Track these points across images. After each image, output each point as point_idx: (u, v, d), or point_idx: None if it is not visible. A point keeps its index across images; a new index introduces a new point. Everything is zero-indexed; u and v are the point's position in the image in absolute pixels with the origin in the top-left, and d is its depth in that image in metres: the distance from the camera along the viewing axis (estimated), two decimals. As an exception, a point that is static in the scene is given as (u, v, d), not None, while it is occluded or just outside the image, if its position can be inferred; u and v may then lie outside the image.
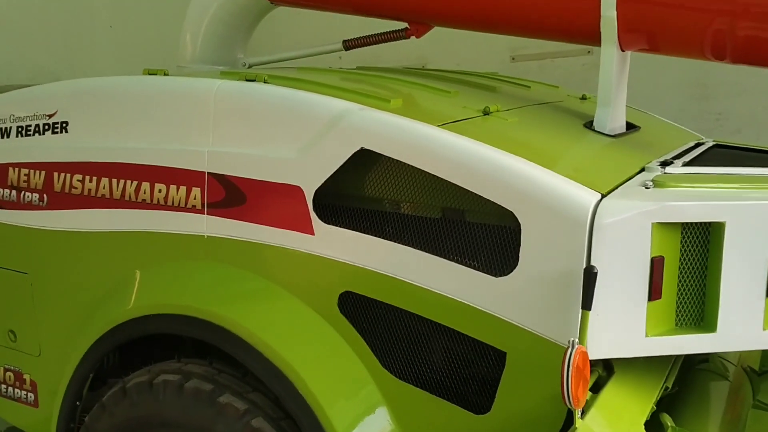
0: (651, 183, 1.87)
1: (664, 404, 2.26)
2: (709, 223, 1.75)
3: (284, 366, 1.97)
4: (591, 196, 1.73)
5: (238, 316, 2.05)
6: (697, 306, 1.78)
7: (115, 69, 5.18)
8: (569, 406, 1.52)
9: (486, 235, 1.83)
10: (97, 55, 5.34)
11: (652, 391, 1.84)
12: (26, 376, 2.63)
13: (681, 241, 1.77)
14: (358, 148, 1.93)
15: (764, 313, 1.77)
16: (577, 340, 1.54)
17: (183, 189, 2.20)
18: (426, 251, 1.88)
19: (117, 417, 2.22)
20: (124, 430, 2.21)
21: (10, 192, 2.53)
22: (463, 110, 2.21)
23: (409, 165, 1.89)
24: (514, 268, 1.77)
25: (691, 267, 1.77)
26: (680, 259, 1.77)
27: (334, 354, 2.00)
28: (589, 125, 2.44)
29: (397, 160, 1.90)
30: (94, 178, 2.35)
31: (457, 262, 1.85)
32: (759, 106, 4.14)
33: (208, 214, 2.17)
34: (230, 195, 2.12)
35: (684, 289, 1.78)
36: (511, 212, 1.77)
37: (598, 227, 1.68)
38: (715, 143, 2.77)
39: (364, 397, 1.98)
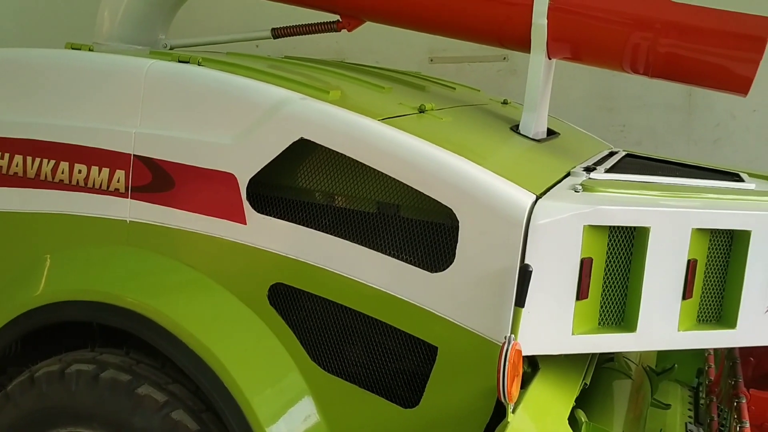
0: (580, 187, 1.93)
1: (576, 401, 2.36)
2: (635, 227, 1.82)
3: (209, 357, 1.92)
4: (527, 197, 1.78)
5: (162, 306, 1.98)
6: (620, 306, 1.86)
7: (16, 41, 4.89)
8: (504, 402, 1.55)
9: (423, 231, 1.84)
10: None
11: (573, 387, 1.91)
12: None
13: (608, 244, 1.84)
14: (297, 138, 1.91)
15: (680, 315, 1.87)
16: (513, 336, 1.57)
17: (106, 171, 2.10)
18: (362, 245, 1.88)
19: (23, 408, 2.10)
20: (30, 422, 2.09)
21: None
22: (399, 107, 2.22)
23: (348, 157, 1.88)
24: (450, 264, 1.80)
25: (616, 269, 1.85)
26: (606, 261, 1.84)
27: (260, 346, 1.97)
28: (515, 129, 2.51)
29: (336, 152, 1.89)
30: (7, 155, 2.22)
31: (393, 256, 1.85)
32: (658, 120, 4.37)
33: (131, 198, 2.08)
34: (157, 179, 2.05)
35: (608, 290, 1.85)
36: (450, 209, 1.79)
37: (534, 227, 1.73)
38: (626, 153, 2.90)
39: (289, 389, 1.96)
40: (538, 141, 2.47)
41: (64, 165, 2.14)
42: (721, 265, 1.93)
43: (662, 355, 2.99)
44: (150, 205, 2.06)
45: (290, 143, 1.91)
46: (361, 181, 1.91)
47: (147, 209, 2.07)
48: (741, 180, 2.33)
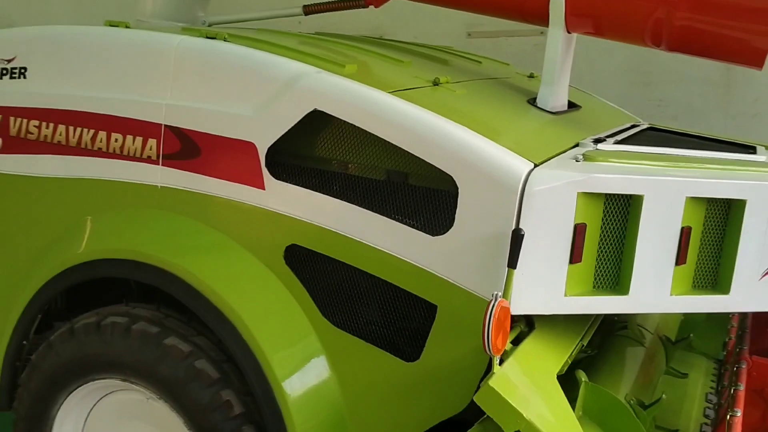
0: (581, 157, 2.02)
1: (584, 365, 2.44)
2: (630, 195, 1.90)
3: (230, 312, 2.08)
4: (524, 165, 1.87)
5: (188, 264, 2.14)
6: (614, 270, 1.94)
7: (71, 18, 5.14)
8: (489, 354, 1.67)
9: (426, 197, 1.96)
10: (53, 3, 5.28)
11: (567, 348, 2.00)
12: (-26, 316, 2.68)
13: (604, 211, 1.92)
14: (311, 109, 2.04)
15: (672, 280, 1.94)
16: (500, 293, 1.68)
17: (139, 140, 2.27)
18: (370, 210, 2.00)
19: (63, 356, 2.30)
20: (69, 370, 2.30)
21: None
22: (414, 79, 2.33)
23: (358, 128, 2.00)
24: (450, 228, 1.91)
25: (611, 235, 1.93)
26: (602, 227, 1.93)
27: (277, 302, 2.12)
28: (532, 102, 2.58)
29: (347, 123, 2.01)
30: (51, 125, 2.41)
31: (397, 221, 1.97)
32: (695, 95, 4.35)
33: (162, 165, 2.25)
34: (185, 147, 2.21)
35: (603, 255, 1.94)
36: (450, 176, 1.90)
37: (529, 194, 1.83)
38: (649, 126, 2.94)
39: (304, 345, 2.10)
40: (554, 113, 2.55)
41: (102, 134, 2.32)
42: (717, 233, 1.99)
43: (684, 326, 3.05)
44: (179, 171, 2.23)
45: (305, 114, 2.04)
46: (370, 150, 2.02)
47: (176, 175, 2.23)
48: (754, 152, 2.37)
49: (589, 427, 2.09)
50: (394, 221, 1.98)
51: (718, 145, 2.57)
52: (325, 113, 2.03)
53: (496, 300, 1.67)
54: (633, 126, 2.84)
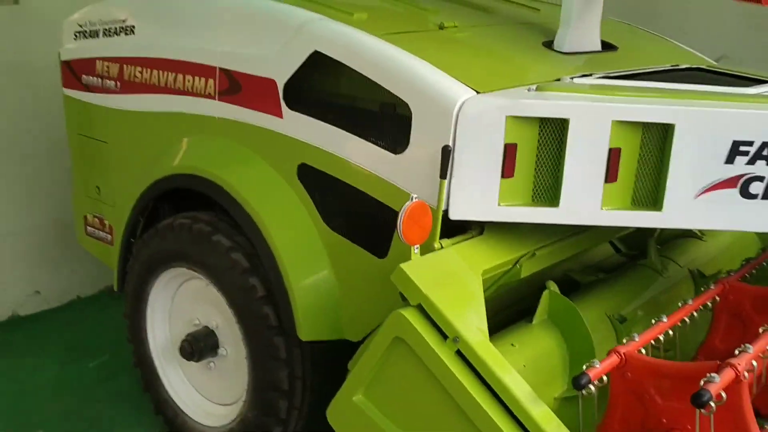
0: (534, 87, 2.29)
1: (592, 287, 2.71)
2: (560, 119, 2.15)
3: (255, 215, 2.62)
4: (463, 93, 2.20)
5: (227, 176, 2.71)
6: (547, 185, 2.21)
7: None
8: (402, 242, 2.05)
9: (390, 121, 2.34)
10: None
11: (512, 254, 2.30)
12: (106, 222, 3.48)
13: (539, 133, 2.19)
14: (312, 51, 2.49)
15: (603, 196, 2.17)
16: (416, 196, 2.05)
17: (203, 80, 2.86)
18: (353, 134, 2.43)
19: (151, 249, 3.00)
20: (156, 259, 2.99)
21: (97, 79, 3.33)
22: (421, 24, 2.69)
23: (345, 65, 2.42)
24: (407, 147, 2.29)
25: (546, 154, 2.19)
26: (537, 147, 2.20)
27: (291, 209, 2.62)
28: (548, 44, 2.83)
29: (338, 61, 2.44)
30: (148, 70, 3.08)
31: (371, 142, 2.38)
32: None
33: (218, 99, 2.82)
34: (231, 85, 2.76)
35: (540, 172, 2.21)
36: (406, 102, 2.27)
37: (462, 117, 2.16)
38: (698, 67, 3.03)
39: (309, 244, 2.59)
40: (567, 54, 2.77)
41: (180, 76, 2.94)
42: (651, 154, 2.17)
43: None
44: (228, 105, 2.79)
45: (308, 54, 2.50)
46: (354, 84, 2.43)
47: (226, 108, 2.80)
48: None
49: (548, 327, 2.41)
50: (369, 143, 2.39)
51: (737, 80, 2.64)
52: (323, 54, 2.47)
53: (412, 200, 2.05)
54: (676, 68, 2.93)
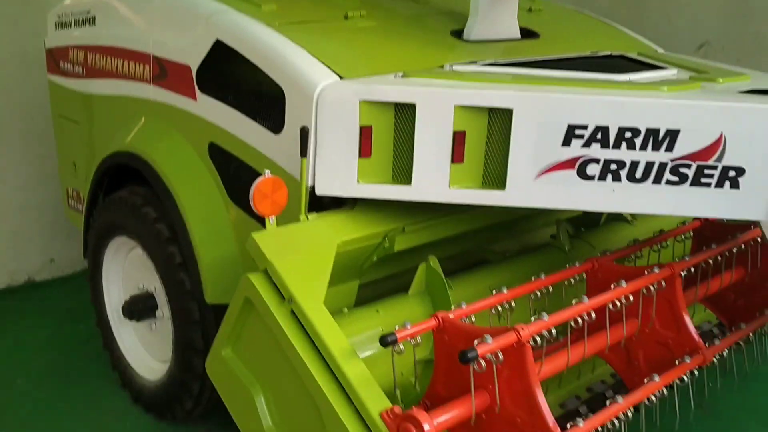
0: (401, 74, 2.46)
1: (495, 264, 2.88)
2: (409, 103, 2.32)
3: (173, 190, 2.90)
4: (325, 78, 2.40)
5: (154, 154, 3.00)
6: (401, 165, 2.38)
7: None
8: (257, 213, 2.27)
9: (271, 104, 2.55)
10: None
11: (377, 228, 2.48)
12: (81, 195, 3.84)
13: (395, 117, 2.37)
14: (215, 40, 2.74)
15: (450, 175, 2.33)
16: (269, 171, 2.27)
17: (141, 66, 3.15)
18: (247, 116, 2.67)
19: (101, 220, 3.33)
20: (103, 230, 3.32)
21: (70, 66, 3.68)
22: (328, 13, 2.89)
23: (239, 53, 2.66)
24: (283, 128, 2.51)
25: (401, 136, 2.37)
26: (394, 130, 2.38)
27: (202, 184, 2.88)
28: (457, 32, 2.97)
29: (233, 49, 2.68)
30: (104, 57, 3.39)
31: (259, 123, 2.61)
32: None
33: (153, 84, 3.11)
34: (161, 71, 3.04)
35: (397, 152, 2.39)
36: (281, 87, 2.49)
37: (321, 101, 2.36)
38: (619, 54, 3.11)
39: (217, 217, 2.85)
40: (471, 42, 2.92)
41: (125, 62, 3.24)
42: (497, 137, 2.31)
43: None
44: (158, 88, 3.07)
45: (212, 43, 2.75)
46: (247, 69, 2.66)
47: (157, 92, 3.08)
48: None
49: (421, 298, 2.59)
50: (258, 124, 2.62)
51: (631, 68, 2.73)
52: (223, 43, 2.71)
53: (264, 175, 2.27)
54: (598, 55, 3.02)
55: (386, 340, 2.02)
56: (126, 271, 3.41)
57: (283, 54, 2.51)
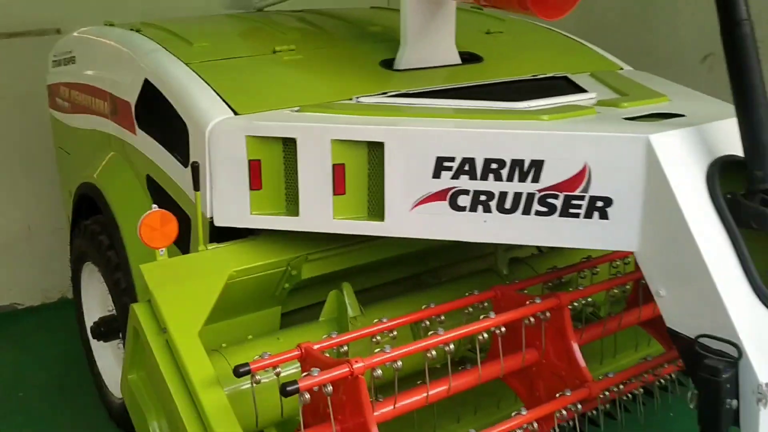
0: (297, 109, 2.53)
1: (427, 288, 2.88)
2: (290, 138, 2.38)
3: (117, 219, 3.08)
4: (218, 115, 2.50)
5: (105, 185, 3.19)
6: (289, 197, 2.44)
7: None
8: (147, 245, 2.38)
9: (181, 139, 2.67)
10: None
11: (277, 257, 2.54)
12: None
13: (283, 150, 2.43)
14: (143, 78, 2.89)
15: (333, 206, 2.36)
16: (156, 206, 2.38)
17: (103, 102, 3.36)
18: (167, 149, 2.80)
19: (74, 246, 3.56)
20: (76, 256, 3.55)
21: (61, 101, 3.95)
22: (258, 49, 2.99)
23: (159, 90, 2.80)
24: (189, 161, 2.62)
25: (289, 169, 2.43)
26: (284, 163, 2.44)
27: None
28: (385, 63, 3.01)
29: (156, 87, 2.82)
30: (81, 94, 3.63)
31: (175, 158, 2.74)
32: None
33: (110, 119, 3.31)
34: (114, 107, 3.23)
35: (288, 185, 2.45)
36: (186, 123, 2.61)
37: (213, 136, 2.46)
38: (562, 76, 3.05)
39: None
40: (400, 71, 2.94)
41: (93, 99, 3.46)
42: (377, 170, 2.33)
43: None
44: (113, 123, 3.26)
45: (142, 82, 2.91)
46: (166, 107, 2.78)
47: (113, 126, 3.27)
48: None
49: (329, 325, 2.64)
50: (174, 158, 2.75)
51: (551, 91, 2.68)
52: (150, 81, 2.87)
53: (151, 211, 2.38)
54: (547, 78, 2.97)
55: (238, 371, 2.07)
56: (103, 293, 3.61)
57: (189, 91, 2.63)
